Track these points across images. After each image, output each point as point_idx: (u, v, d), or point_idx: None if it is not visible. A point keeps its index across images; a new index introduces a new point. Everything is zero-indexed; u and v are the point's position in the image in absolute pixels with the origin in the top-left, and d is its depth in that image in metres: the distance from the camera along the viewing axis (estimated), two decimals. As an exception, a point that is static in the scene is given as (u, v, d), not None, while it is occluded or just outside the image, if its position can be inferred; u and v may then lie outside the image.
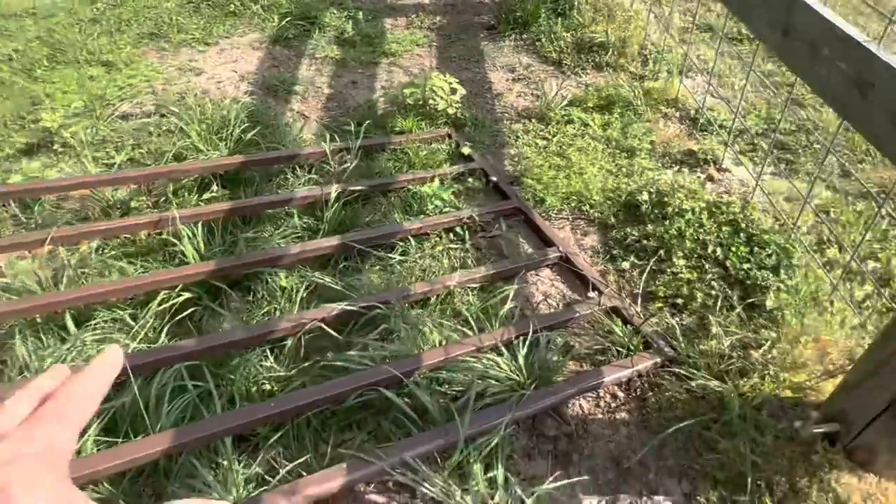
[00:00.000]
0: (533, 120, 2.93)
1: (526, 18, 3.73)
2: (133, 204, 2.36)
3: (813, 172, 2.44)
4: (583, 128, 2.82)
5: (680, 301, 1.97)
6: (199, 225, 2.13)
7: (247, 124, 2.75)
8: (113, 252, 2.15)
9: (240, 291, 2.07)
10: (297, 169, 2.61)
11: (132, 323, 1.84)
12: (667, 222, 2.17)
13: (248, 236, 2.17)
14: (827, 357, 1.67)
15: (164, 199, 2.44)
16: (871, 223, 1.67)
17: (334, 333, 1.80)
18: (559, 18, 3.72)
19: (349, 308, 1.80)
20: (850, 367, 1.46)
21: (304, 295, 1.99)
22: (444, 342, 1.81)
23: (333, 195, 2.25)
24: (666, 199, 2.24)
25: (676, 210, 2.19)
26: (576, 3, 3.73)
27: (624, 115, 2.86)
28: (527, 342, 1.76)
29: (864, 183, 1.80)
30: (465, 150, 2.67)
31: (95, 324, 1.84)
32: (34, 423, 0.42)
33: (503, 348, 1.76)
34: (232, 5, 4.05)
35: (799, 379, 1.65)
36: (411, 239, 2.20)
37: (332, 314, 1.81)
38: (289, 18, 3.81)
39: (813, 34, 1.68)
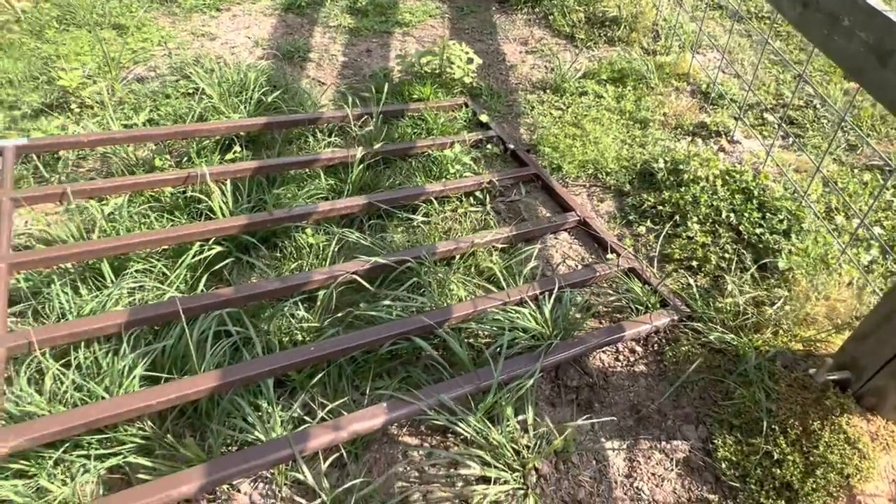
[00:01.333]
0: (547, 91, 2.98)
1: (538, -8, 3.76)
2: (156, 163, 2.39)
3: (820, 146, 2.52)
4: (597, 99, 2.88)
5: (695, 263, 2.06)
6: (227, 182, 2.17)
7: (265, 88, 2.77)
8: (139, 208, 2.18)
9: (267, 248, 2.12)
10: (318, 132, 2.65)
11: (167, 273, 1.89)
12: (682, 189, 2.24)
13: (276, 193, 2.21)
14: (835, 313, 1.77)
15: (186, 158, 2.47)
16: (879, 193, 1.76)
17: (367, 285, 1.86)
18: (571, -7, 3.75)
19: (382, 262, 1.86)
20: (859, 321, 1.54)
21: (335, 250, 2.05)
22: (469, 297, 1.88)
23: (358, 157, 2.29)
24: (681, 167, 2.31)
25: (691, 177, 2.26)
26: (587, -21, 3.76)
27: (637, 88, 2.92)
28: (550, 297, 1.83)
29: (878, 150, 1.87)
30: (483, 118, 2.72)
31: (130, 274, 1.88)
32: None
33: (530, 302, 1.83)
34: (242, -28, 4.02)
35: (809, 333, 1.74)
36: (434, 201, 2.26)
37: (365, 268, 1.87)
38: (301, -14, 3.81)
39: (833, 5, 1.74)
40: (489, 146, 2.61)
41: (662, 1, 3.50)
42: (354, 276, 1.82)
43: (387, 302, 1.79)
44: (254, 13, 3.68)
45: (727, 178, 2.26)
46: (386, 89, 2.84)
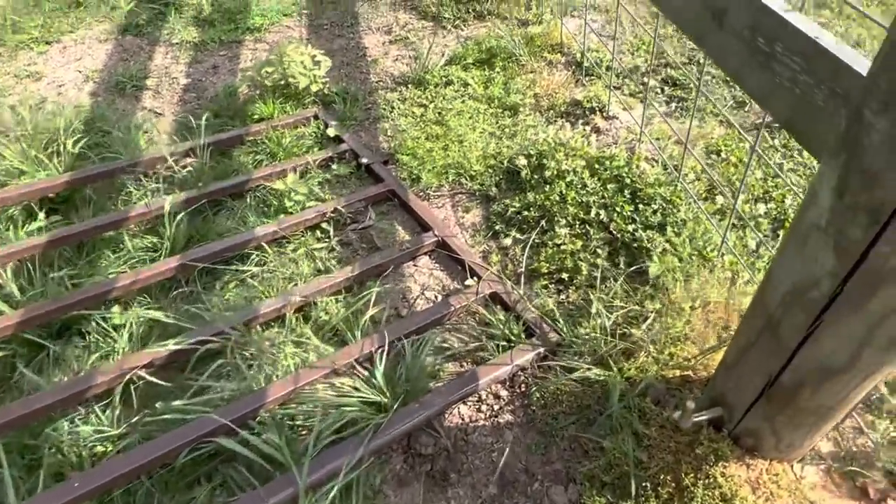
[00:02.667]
0: (410, 86, 2.65)
1: (402, -30, 3.39)
2: (-58, 249, 2.02)
3: (705, 108, 2.24)
4: (462, 88, 2.56)
5: (565, 276, 1.78)
6: (8, 268, 1.82)
7: (81, 133, 2.40)
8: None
9: (75, 337, 1.79)
10: (143, 179, 2.29)
11: (-75, 401, 1.56)
12: (547, 187, 1.95)
13: (70, 273, 1.87)
14: (713, 326, 1.50)
15: (-17, 236, 2.11)
16: (751, 159, 1.48)
17: (160, 382, 1.54)
18: (438, -34, 3.38)
19: (175, 348, 1.54)
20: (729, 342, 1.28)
21: (142, 331, 1.73)
22: (299, 367, 1.59)
23: (167, 208, 1.95)
24: (545, 160, 2.02)
25: (556, 172, 1.97)
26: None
27: (506, 69, 2.60)
28: (383, 356, 1.54)
29: (732, 122, 1.58)
30: (331, 132, 2.38)
31: None
32: None
33: (359, 367, 1.54)
34: (75, -6, 3.58)
35: (686, 353, 1.48)
36: (266, 246, 1.94)
37: (162, 356, 1.55)
38: (138, 1, 3.38)
39: (662, -44, 1.45)
40: (339, 164, 2.28)
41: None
42: (141, 374, 1.50)
43: (179, 402, 1.48)
44: (87, 41, 3.26)
45: (597, 166, 1.98)
46: (226, 113, 2.49)
